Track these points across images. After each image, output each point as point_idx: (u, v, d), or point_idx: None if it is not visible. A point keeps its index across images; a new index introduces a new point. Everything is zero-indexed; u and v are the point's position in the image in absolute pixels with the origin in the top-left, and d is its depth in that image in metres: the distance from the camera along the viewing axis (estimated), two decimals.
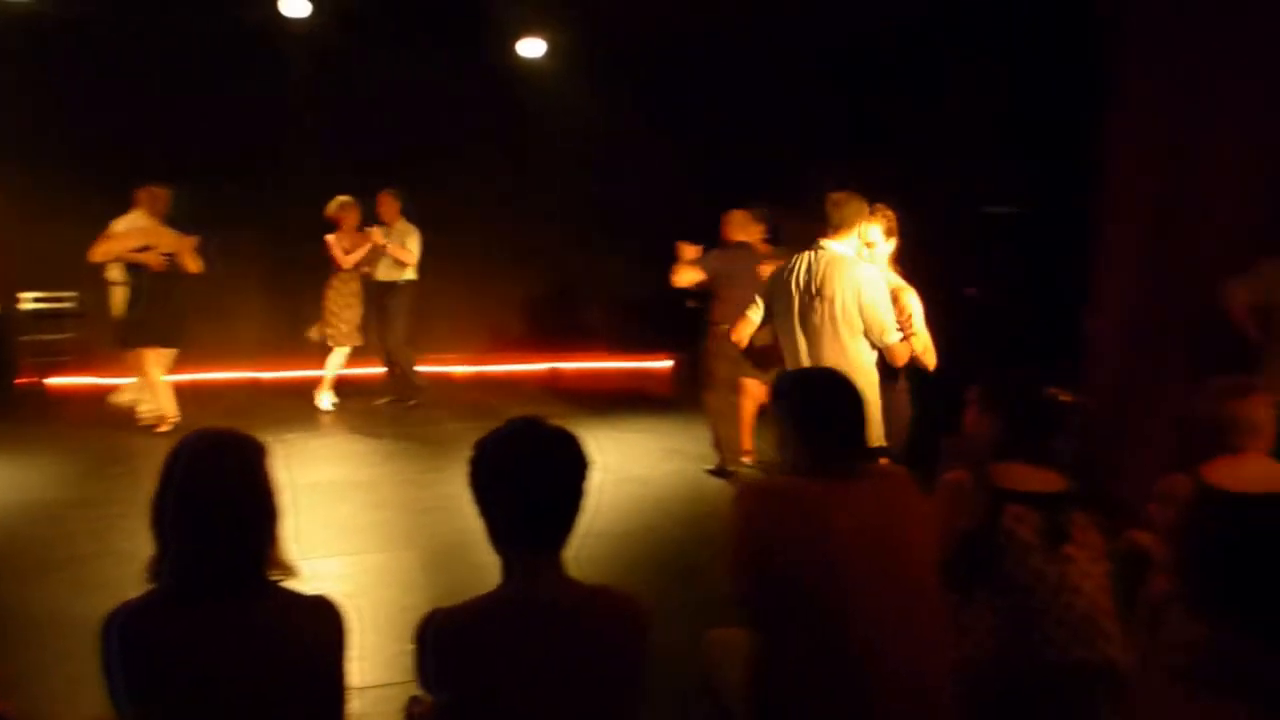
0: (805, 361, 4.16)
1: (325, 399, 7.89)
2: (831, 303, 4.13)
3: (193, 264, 6.87)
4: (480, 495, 1.90)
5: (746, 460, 6.36)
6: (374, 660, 3.64)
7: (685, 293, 7.01)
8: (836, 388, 2.47)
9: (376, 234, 7.71)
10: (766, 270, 5.11)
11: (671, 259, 6.57)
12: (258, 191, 8.69)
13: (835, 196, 4.28)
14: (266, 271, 9.14)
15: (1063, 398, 2.67)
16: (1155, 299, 5.25)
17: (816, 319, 4.16)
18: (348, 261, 7.65)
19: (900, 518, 2.31)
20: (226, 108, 8.56)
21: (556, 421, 1.97)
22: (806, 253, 4.28)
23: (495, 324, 10.18)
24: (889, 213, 4.38)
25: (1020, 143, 6.76)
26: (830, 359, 4.05)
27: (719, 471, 6.24)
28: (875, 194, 6.30)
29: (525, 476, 1.87)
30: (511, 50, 8.99)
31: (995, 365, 5.70)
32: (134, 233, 6.80)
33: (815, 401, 2.42)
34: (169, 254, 6.72)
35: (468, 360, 9.92)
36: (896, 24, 7.27)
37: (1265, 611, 2.76)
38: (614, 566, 4.78)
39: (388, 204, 7.84)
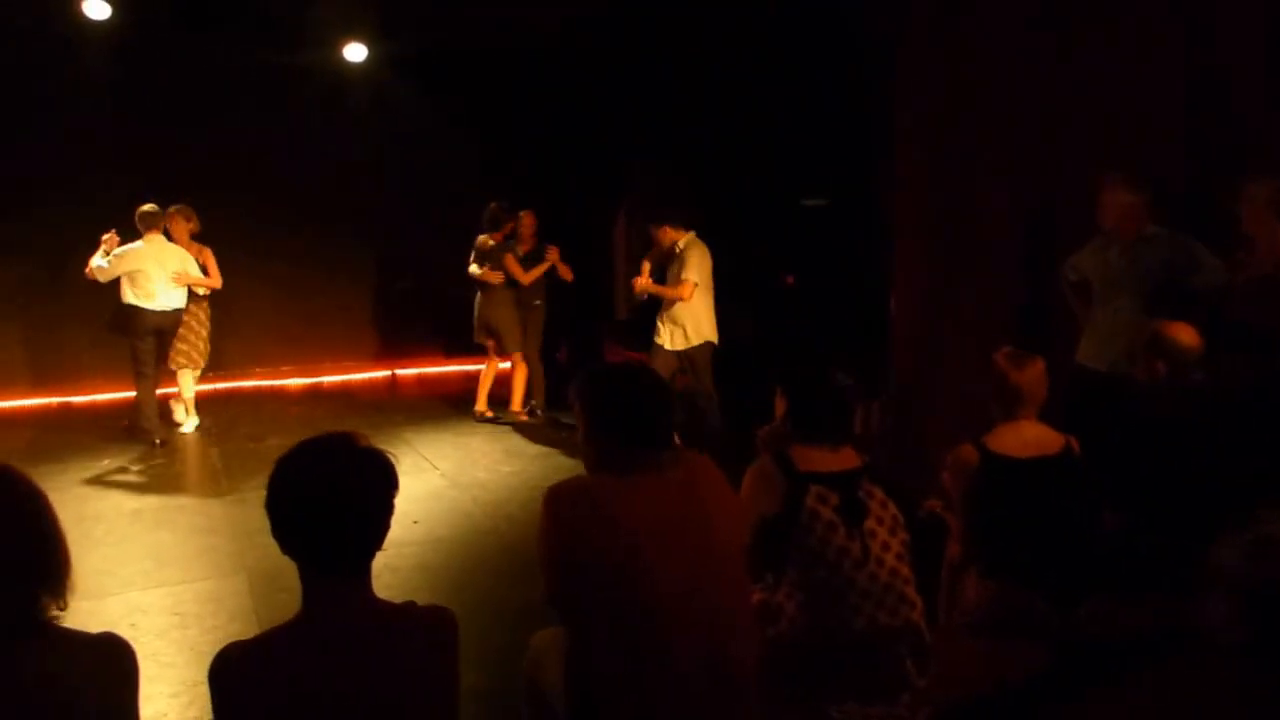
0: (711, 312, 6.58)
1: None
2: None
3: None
4: (273, 516, 1.81)
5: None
6: (195, 694, 3.53)
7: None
8: (634, 382, 2.44)
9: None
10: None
11: None
12: (70, 207, 8.11)
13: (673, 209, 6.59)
14: (66, 292, 8.53)
15: (845, 381, 2.79)
16: (946, 280, 5.57)
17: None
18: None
19: (703, 506, 2.33)
20: (30, 116, 8.09)
21: (391, 432, 1.92)
22: (693, 242, 6.53)
23: (328, 333, 9.91)
24: None
25: (832, 138, 7.05)
26: None
27: None
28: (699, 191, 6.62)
29: (317, 497, 1.78)
30: (335, 55, 8.77)
31: (799, 352, 6.00)
32: None
33: (613, 397, 2.40)
34: None
35: (301, 372, 9.62)
36: (708, 23, 7.45)
37: (1043, 567, 3.02)
38: (449, 572, 4.78)
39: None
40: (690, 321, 6.54)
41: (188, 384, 7.49)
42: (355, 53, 8.80)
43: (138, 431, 7.16)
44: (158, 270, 6.98)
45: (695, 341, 6.55)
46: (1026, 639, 2.95)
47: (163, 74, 8.43)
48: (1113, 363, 4.18)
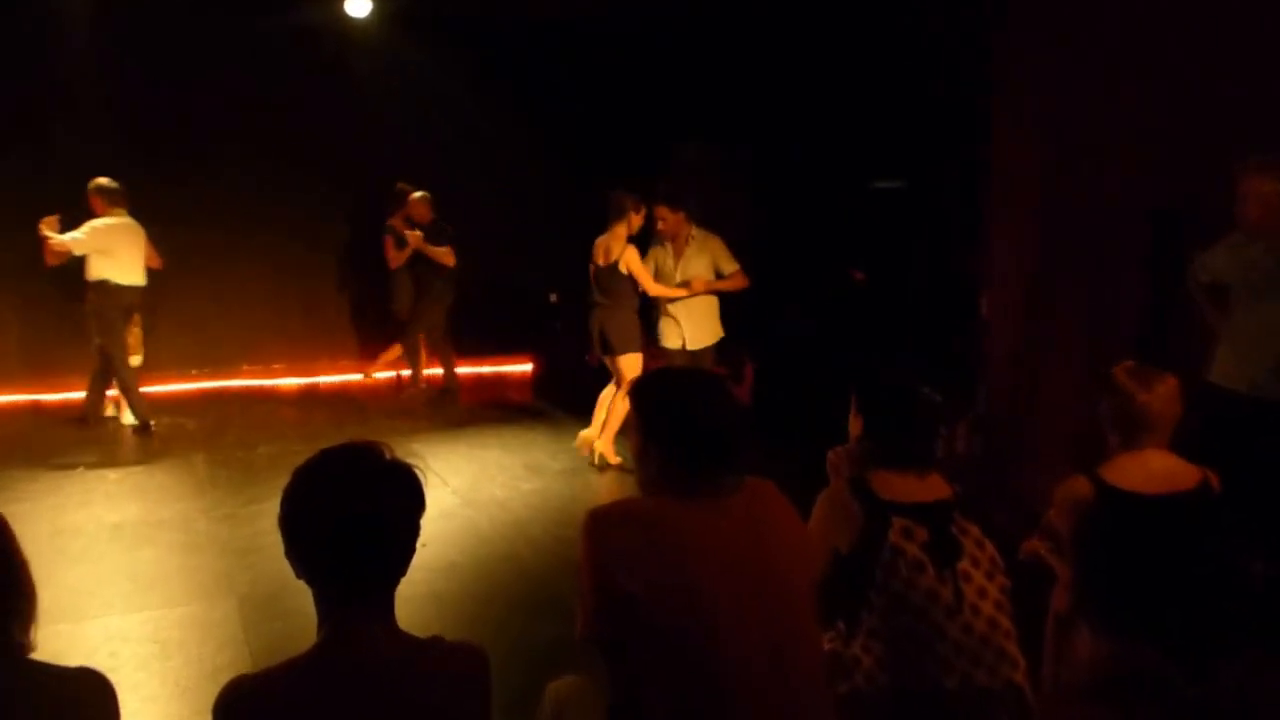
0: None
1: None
2: None
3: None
4: (289, 535, 1.79)
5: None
6: None
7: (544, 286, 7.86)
8: (709, 392, 2.32)
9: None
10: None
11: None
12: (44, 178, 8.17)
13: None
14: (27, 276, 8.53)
15: (933, 397, 2.69)
16: (1050, 280, 5.43)
17: None
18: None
19: (768, 539, 2.23)
20: (19, 84, 8.25)
21: (398, 442, 1.88)
22: (703, 232, 6.73)
23: (326, 328, 9.86)
24: None
25: (910, 108, 6.92)
26: None
27: None
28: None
29: (343, 515, 1.76)
30: (337, 11, 8.72)
31: (875, 362, 5.87)
32: None
33: (686, 408, 2.27)
34: None
35: (295, 371, 9.61)
36: None
37: (1174, 624, 2.88)
38: (464, 603, 4.74)
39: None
40: (711, 316, 6.76)
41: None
42: (358, 7, 8.68)
43: (95, 421, 7.60)
44: (133, 246, 7.34)
45: (713, 340, 6.76)
46: (1151, 707, 2.81)
47: (155, 41, 8.47)
48: (1256, 382, 4.03)
